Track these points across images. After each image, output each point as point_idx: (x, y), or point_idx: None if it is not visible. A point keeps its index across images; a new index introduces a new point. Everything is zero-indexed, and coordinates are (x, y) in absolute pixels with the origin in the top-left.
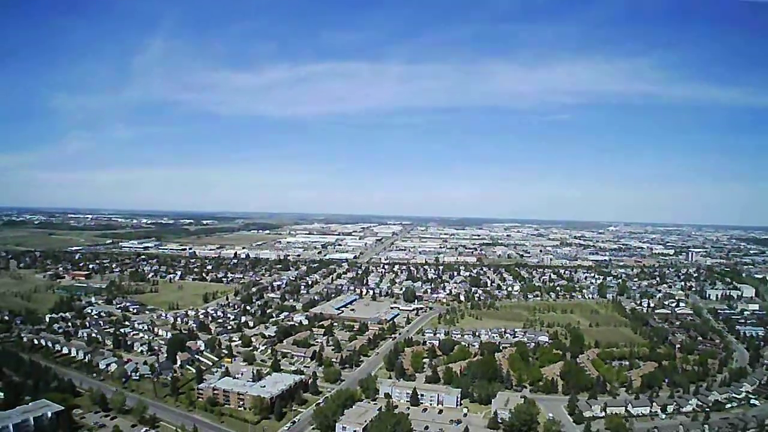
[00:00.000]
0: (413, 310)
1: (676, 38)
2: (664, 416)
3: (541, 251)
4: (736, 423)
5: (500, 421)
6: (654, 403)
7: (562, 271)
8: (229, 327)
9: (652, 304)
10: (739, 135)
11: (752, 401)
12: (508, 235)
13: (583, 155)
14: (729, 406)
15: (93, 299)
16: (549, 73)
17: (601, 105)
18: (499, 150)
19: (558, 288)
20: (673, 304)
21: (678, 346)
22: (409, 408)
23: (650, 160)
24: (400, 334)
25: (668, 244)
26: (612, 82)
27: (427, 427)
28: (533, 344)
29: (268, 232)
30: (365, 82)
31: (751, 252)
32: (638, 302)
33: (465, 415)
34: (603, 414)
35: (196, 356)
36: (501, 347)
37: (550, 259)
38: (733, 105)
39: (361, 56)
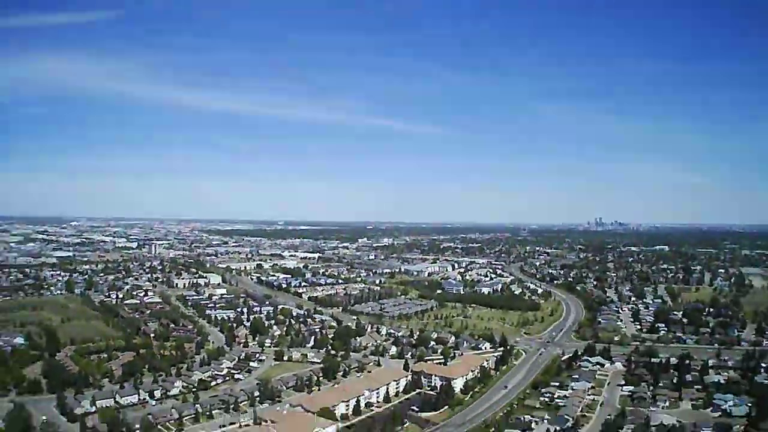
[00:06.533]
0: None
1: None
2: (154, 402)
3: (5, 248)
4: (226, 398)
5: None
6: (141, 391)
7: (27, 269)
8: None
9: (121, 296)
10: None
11: (236, 376)
12: None
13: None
14: (215, 383)
15: None
16: None
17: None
18: None
19: (26, 286)
20: (142, 294)
21: (153, 334)
22: None
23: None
24: None
25: (131, 237)
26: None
27: None
28: (10, 347)
29: None
30: None
31: (214, 243)
32: (107, 295)
33: None
34: (94, 408)
35: None
36: None
37: (15, 257)
38: None
39: None
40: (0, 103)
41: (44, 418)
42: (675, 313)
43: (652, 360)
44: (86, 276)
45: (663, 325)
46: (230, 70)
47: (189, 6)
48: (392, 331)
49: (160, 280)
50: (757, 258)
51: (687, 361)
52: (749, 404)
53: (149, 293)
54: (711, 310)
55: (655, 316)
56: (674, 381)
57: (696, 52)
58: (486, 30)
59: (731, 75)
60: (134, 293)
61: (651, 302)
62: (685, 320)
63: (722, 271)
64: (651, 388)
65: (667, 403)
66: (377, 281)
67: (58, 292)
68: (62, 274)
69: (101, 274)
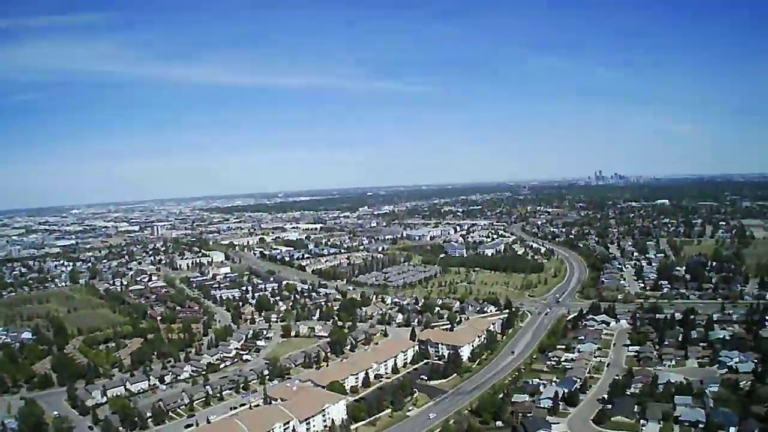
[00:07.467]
0: None
1: None
2: (164, 387)
3: (8, 242)
4: (235, 379)
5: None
6: (150, 377)
7: (31, 262)
8: None
9: (125, 282)
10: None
11: (245, 357)
12: None
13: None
14: (223, 366)
15: None
16: None
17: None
18: None
19: (30, 280)
20: (146, 279)
21: (159, 318)
22: None
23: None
24: None
25: (133, 220)
26: None
27: None
28: (18, 343)
29: None
30: None
31: (215, 221)
32: (111, 282)
33: None
34: (105, 399)
35: None
36: None
37: (18, 250)
38: None
39: None
40: None
41: (56, 413)
42: (678, 268)
43: (657, 317)
44: (90, 264)
45: (666, 281)
46: (215, 43)
47: None
48: (397, 300)
49: (163, 262)
50: (758, 209)
51: (692, 318)
52: (755, 360)
53: (153, 277)
54: (713, 264)
55: (658, 272)
56: (679, 338)
57: None
58: None
59: (731, 21)
60: (138, 279)
61: (653, 257)
62: (687, 276)
63: (723, 223)
64: (657, 347)
65: (674, 362)
66: (380, 248)
67: (63, 283)
68: (66, 263)
69: (105, 261)
